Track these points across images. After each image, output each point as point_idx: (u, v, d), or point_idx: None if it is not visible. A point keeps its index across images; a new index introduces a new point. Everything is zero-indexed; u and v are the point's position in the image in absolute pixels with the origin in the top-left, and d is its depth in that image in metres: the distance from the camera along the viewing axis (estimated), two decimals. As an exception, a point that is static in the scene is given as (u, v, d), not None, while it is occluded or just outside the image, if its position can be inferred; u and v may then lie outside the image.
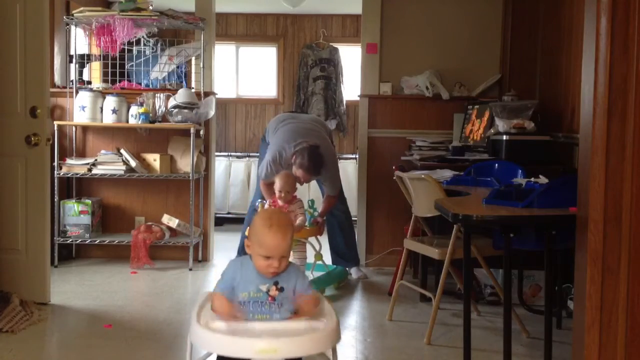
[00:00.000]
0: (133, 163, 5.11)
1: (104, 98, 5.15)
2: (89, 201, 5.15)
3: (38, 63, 3.90)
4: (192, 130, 5.02)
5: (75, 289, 4.41)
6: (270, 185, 4.47)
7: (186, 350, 2.21)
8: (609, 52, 2.19)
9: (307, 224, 4.43)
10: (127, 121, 5.16)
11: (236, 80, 7.92)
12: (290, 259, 2.26)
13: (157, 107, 5.16)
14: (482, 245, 3.53)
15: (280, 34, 7.85)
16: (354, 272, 4.91)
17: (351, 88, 7.39)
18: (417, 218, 3.88)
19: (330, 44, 7.68)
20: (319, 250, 4.60)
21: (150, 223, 5.25)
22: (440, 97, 5.11)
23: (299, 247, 4.39)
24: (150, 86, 5.70)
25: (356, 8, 5.72)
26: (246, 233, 4.00)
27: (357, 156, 5.58)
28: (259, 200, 4.53)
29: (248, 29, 7.89)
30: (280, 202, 4.31)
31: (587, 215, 2.25)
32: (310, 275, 4.45)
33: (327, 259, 4.82)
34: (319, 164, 4.39)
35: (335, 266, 4.83)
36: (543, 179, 3.12)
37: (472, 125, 4.72)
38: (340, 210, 4.88)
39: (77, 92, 5.22)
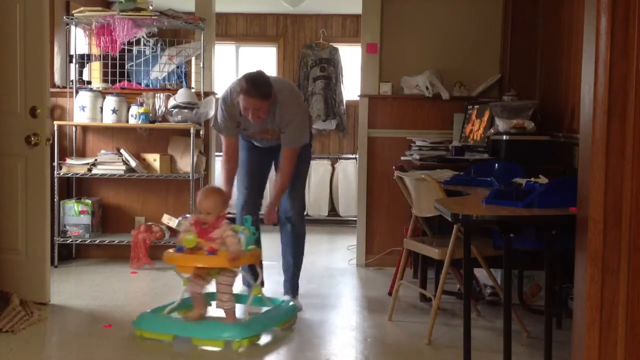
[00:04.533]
0: (133, 163, 5.11)
1: (104, 98, 5.15)
2: (89, 201, 5.15)
3: (38, 63, 3.90)
4: (192, 130, 5.02)
5: (75, 289, 4.41)
6: (229, 146, 3.97)
7: None
8: (609, 52, 2.19)
9: (245, 247, 3.48)
10: (127, 121, 5.16)
11: (236, 80, 7.91)
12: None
13: (157, 107, 5.16)
14: (482, 245, 3.53)
15: (280, 34, 7.85)
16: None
17: (351, 88, 7.38)
18: (417, 218, 3.87)
19: (330, 44, 7.68)
20: (259, 280, 3.72)
21: (150, 223, 5.25)
22: (440, 97, 5.11)
23: (224, 276, 3.49)
24: (150, 86, 5.70)
25: (356, 8, 5.72)
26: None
27: (357, 156, 5.58)
28: (181, 218, 3.97)
29: (248, 29, 7.89)
30: (203, 220, 3.47)
31: (587, 215, 2.25)
32: (246, 313, 3.61)
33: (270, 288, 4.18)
34: (263, 87, 3.70)
35: (281, 300, 3.91)
36: (543, 179, 3.11)
37: (472, 125, 4.72)
38: (295, 217, 4.13)
39: (77, 92, 5.22)
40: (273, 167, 4.24)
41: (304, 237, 4.21)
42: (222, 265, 3.40)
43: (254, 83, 3.69)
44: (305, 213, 4.30)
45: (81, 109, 5.11)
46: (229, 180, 3.99)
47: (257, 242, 3.97)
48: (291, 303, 3.87)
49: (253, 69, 3.90)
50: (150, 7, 5.10)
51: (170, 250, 3.48)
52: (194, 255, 3.40)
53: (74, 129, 5.32)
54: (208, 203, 3.45)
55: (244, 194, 4.16)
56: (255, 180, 4.19)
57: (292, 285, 4.15)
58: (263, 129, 3.93)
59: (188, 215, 3.81)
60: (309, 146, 4.16)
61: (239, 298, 3.75)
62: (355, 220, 5.49)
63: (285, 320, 3.66)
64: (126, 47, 5.48)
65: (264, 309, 3.77)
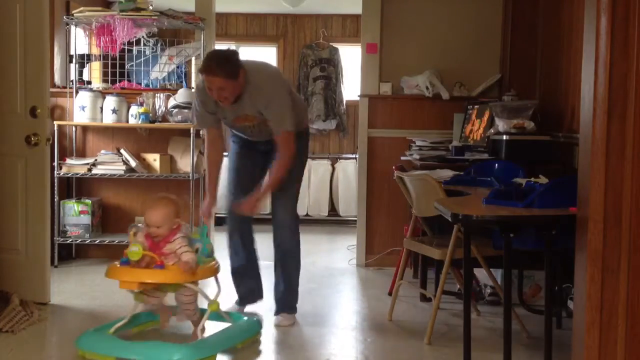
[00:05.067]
0: (133, 163, 5.11)
1: (104, 98, 5.15)
2: (89, 201, 5.15)
3: (38, 63, 3.90)
4: (192, 130, 5.02)
5: (75, 289, 4.41)
6: (209, 139, 3.69)
7: None
8: (609, 52, 2.19)
9: (200, 259, 3.18)
10: (127, 121, 5.15)
11: (236, 80, 7.91)
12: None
13: (157, 107, 5.16)
14: (482, 245, 3.53)
15: (280, 34, 7.85)
16: (281, 319, 3.74)
17: (351, 88, 7.38)
18: (417, 218, 3.88)
19: (330, 44, 7.68)
20: (217, 296, 3.36)
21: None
22: (440, 97, 5.11)
23: (183, 294, 3.23)
24: (150, 86, 5.70)
25: (356, 8, 5.72)
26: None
27: (357, 156, 5.58)
28: (131, 227, 3.21)
29: (248, 29, 7.89)
30: (154, 235, 3.13)
31: (587, 215, 2.25)
32: (199, 331, 3.20)
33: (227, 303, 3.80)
34: (226, 65, 3.35)
35: (241, 316, 3.58)
36: (543, 179, 3.11)
37: (472, 125, 4.72)
38: (288, 233, 3.76)
39: (77, 92, 5.22)
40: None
41: (297, 254, 3.82)
42: (171, 280, 3.07)
43: (216, 61, 3.37)
44: (298, 230, 3.81)
45: (81, 109, 5.11)
46: (212, 178, 3.72)
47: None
48: (255, 318, 3.54)
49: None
50: (150, 7, 5.10)
51: (116, 263, 3.13)
52: (140, 270, 3.05)
53: (74, 129, 5.32)
54: (155, 216, 3.10)
55: (228, 199, 3.79)
56: (241, 182, 3.74)
57: (287, 298, 3.80)
58: (241, 114, 3.56)
59: (140, 225, 3.26)
60: (304, 142, 3.79)
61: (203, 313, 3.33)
62: (355, 220, 5.49)
63: (246, 339, 3.34)
64: (126, 47, 5.48)
65: (224, 325, 3.40)
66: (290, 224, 3.75)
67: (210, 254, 3.32)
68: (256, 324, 3.50)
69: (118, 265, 3.10)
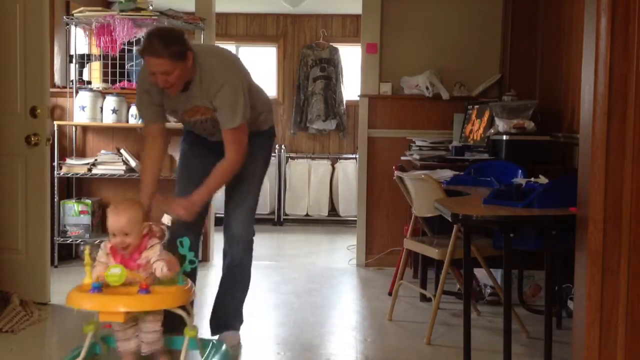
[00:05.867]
0: (133, 163, 5.11)
1: (104, 98, 5.15)
2: (89, 201, 5.15)
3: (38, 63, 3.90)
4: (192, 130, 5.02)
5: (75, 289, 4.40)
6: (147, 137, 3.21)
7: None
8: (609, 52, 2.19)
9: (179, 273, 2.67)
10: (127, 121, 5.15)
11: (236, 80, 7.90)
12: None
13: (157, 107, 5.16)
14: (482, 245, 3.53)
15: (280, 34, 7.85)
16: (229, 336, 3.24)
17: (351, 88, 7.38)
18: (417, 218, 3.88)
19: (330, 44, 7.68)
20: (192, 320, 2.74)
21: (150, 223, 5.23)
22: (440, 97, 5.11)
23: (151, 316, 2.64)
24: (150, 86, 5.69)
25: (356, 8, 5.72)
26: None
27: (357, 156, 5.58)
28: (84, 244, 2.67)
29: (248, 29, 7.89)
30: (122, 246, 2.60)
31: (587, 215, 2.25)
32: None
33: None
34: (171, 43, 2.81)
35: (212, 342, 3.01)
36: (543, 179, 3.12)
37: (472, 125, 4.72)
38: (242, 248, 3.22)
39: (77, 92, 5.22)
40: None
41: (248, 271, 3.29)
42: (170, 306, 2.56)
43: (160, 39, 2.80)
44: (252, 247, 3.27)
45: (81, 109, 5.11)
46: (146, 185, 3.07)
47: (193, 274, 2.96)
48: (224, 347, 2.96)
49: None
50: (150, 7, 5.10)
51: (77, 290, 2.57)
52: (121, 297, 2.47)
53: (74, 129, 5.32)
54: (120, 221, 2.57)
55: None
56: (188, 187, 3.12)
57: (233, 316, 3.29)
58: (191, 106, 3.03)
59: (103, 240, 2.73)
60: (268, 144, 3.31)
61: (171, 341, 2.82)
62: (355, 220, 5.49)
63: None
64: (126, 47, 5.47)
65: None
66: (246, 239, 3.21)
67: (187, 274, 2.75)
68: (229, 354, 2.96)
69: (88, 293, 2.53)
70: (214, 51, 3.14)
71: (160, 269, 2.56)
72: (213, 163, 3.05)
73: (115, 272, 2.49)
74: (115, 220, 2.59)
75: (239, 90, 2.95)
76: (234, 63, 3.08)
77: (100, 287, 2.52)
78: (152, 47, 2.79)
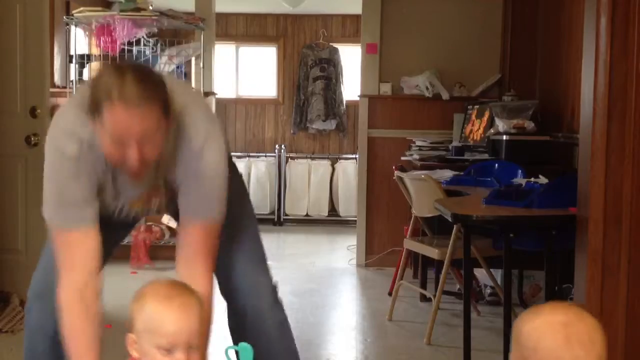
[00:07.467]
0: (133, 163, 5.11)
1: (104, 98, 5.15)
2: (89, 201, 5.14)
3: (38, 63, 3.90)
4: (192, 130, 5.01)
5: (75, 289, 4.40)
6: (83, 256, 1.93)
7: None
8: (609, 52, 2.19)
9: None
10: (127, 121, 5.15)
11: (236, 81, 7.91)
12: None
13: (157, 107, 5.16)
14: (482, 245, 3.53)
15: (280, 34, 7.85)
16: None
17: (351, 88, 7.38)
18: (417, 218, 3.88)
19: (330, 44, 7.68)
20: None
21: (150, 223, 5.25)
22: (440, 97, 5.11)
23: None
24: (150, 86, 5.69)
25: (356, 8, 5.71)
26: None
27: (357, 156, 5.58)
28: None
29: (248, 29, 7.88)
30: None
31: (587, 215, 2.25)
32: None
33: None
34: (157, 85, 1.65)
35: None
36: (543, 179, 3.12)
37: (472, 125, 4.72)
38: (268, 302, 2.22)
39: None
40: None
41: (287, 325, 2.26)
42: None
43: (142, 78, 1.63)
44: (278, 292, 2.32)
45: (81, 109, 5.10)
46: (89, 344, 1.98)
47: None
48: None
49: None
50: (150, 7, 5.10)
51: None
52: None
53: (74, 129, 5.31)
54: (191, 324, 1.50)
55: (39, 299, 2.11)
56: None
57: None
58: (152, 186, 1.92)
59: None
60: (238, 177, 2.24)
61: None
62: (355, 220, 5.49)
63: None
64: (126, 47, 5.47)
65: None
66: (272, 289, 2.28)
67: None
68: None
69: None
70: (185, 90, 1.97)
71: None
72: (114, 237, 2.18)
73: None
74: (180, 321, 1.48)
75: (224, 166, 1.88)
76: (210, 111, 2.02)
77: None
78: (131, 91, 1.59)
